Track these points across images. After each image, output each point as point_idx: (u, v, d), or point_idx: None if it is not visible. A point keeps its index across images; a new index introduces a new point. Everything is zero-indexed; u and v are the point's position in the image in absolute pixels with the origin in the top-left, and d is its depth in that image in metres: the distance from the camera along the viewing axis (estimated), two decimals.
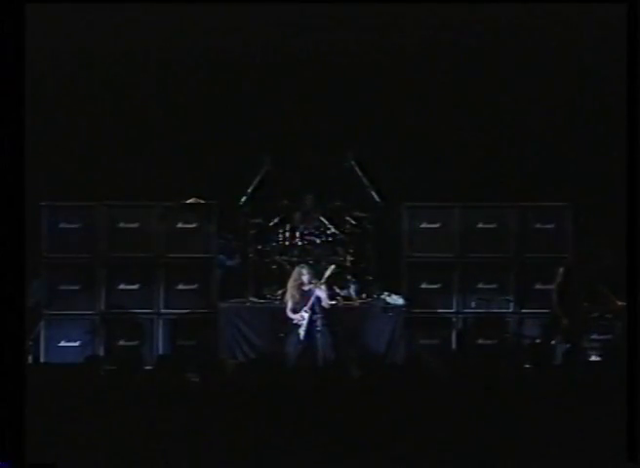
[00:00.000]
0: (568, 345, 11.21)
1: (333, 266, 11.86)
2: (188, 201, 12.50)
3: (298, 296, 11.60)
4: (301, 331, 11.46)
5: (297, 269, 11.79)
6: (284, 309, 11.66)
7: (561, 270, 11.36)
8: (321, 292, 11.54)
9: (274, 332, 11.82)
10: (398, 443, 7.30)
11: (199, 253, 12.31)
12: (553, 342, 11.41)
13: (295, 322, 11.52)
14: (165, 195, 12.61)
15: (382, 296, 12.30)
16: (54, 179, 12.96)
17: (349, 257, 12.65)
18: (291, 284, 11.71)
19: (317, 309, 11.49)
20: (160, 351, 12.05)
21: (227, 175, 13.27)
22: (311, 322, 11.45)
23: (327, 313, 11.58)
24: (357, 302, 12.37)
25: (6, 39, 7.32)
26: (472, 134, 13.57)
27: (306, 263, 12.06)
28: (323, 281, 11.61)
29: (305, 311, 11.48)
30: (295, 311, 11.56)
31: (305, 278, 11.61)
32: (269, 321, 12.00)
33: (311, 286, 11.55)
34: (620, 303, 11.27)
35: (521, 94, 13.40)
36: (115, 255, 12.26)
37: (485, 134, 13.58)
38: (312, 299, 11.46)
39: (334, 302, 11.99)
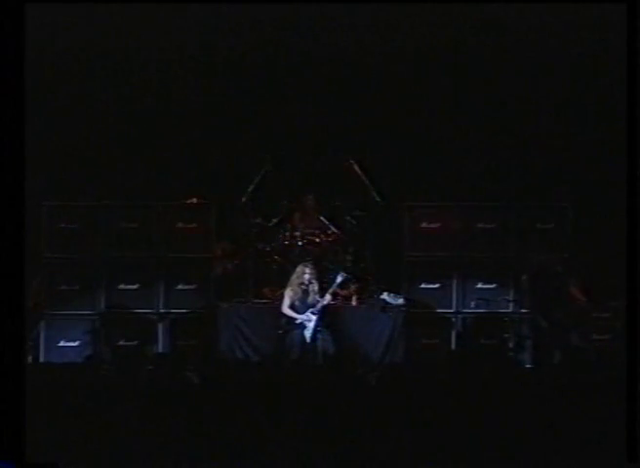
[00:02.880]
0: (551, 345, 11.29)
1: (340, 278, 11.87)
2: (188, 201, 12.51)
3: (299, 295, 11.64)
4: (307, 333, 11.49)
5: (299, 267, 11.81)
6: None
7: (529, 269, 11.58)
8: (327, 297, 11.61)
9: (275, 333, 11.82)
10: (398, 442, 7.30)
11: (199, 254, 12.31)
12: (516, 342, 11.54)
13: (299, 321, 11.55)
14: (165, 195, 12.62)
15: (382, 296, 12.28)
16: (54, 179, 12.96)
17: (349, 257, 12.64)
18: (294, 282, 11.74)
19: (321, 310, 11.56)
20: (160, 351, 12.04)
21: (227, 175, 13.27)
22: (316, 323, 11.52)
23: (327, 313, 11.62)
24: (357, 302, 12.36)
25: (6, 39, 7.32)
26: (473, 134, 13.57)
27: (309, 262, 12.05)
28: (331, 290, 11.68)
29: (313, 312, 11.53)
30: (294, 309, 11.59)
31: (307, 277, 11.65)
32: (269, 321, 11.99)
33: (315, 287, 11.61)
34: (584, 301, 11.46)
35: (521, 94, 13.39)
36: (115, 255, 12.25)
37: (485, 134, 13.57)
38: (322, 303, 11.53)
39: (334, 302, 12.00)
